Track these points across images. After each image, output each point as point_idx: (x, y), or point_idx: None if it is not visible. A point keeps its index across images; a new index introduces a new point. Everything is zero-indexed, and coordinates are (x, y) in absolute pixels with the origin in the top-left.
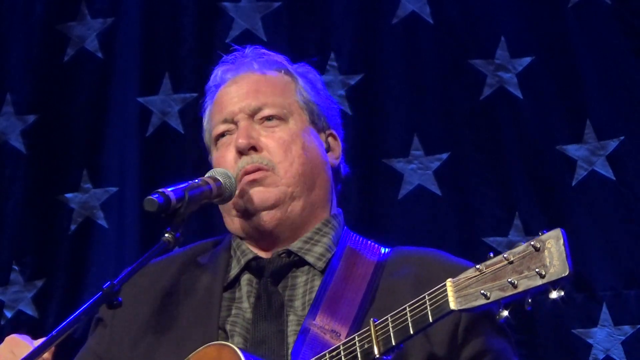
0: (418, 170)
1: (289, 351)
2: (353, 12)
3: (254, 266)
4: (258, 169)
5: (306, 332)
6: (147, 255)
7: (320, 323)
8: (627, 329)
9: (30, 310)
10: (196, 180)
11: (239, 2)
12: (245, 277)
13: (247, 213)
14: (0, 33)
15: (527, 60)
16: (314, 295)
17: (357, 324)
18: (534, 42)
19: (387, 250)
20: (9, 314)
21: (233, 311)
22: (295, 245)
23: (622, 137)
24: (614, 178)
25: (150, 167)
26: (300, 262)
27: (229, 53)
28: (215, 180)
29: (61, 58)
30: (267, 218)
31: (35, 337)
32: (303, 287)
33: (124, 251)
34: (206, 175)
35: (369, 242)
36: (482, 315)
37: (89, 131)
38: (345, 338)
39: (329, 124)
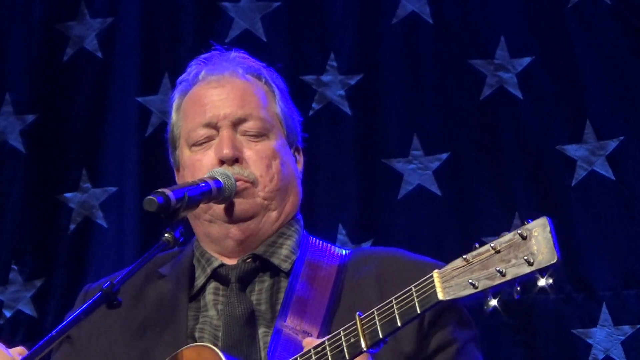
0: (418, 170)
1: (262, 353)
2: (353, 12)
3: (220, 273)
4: (239, 181)
5: (279, 333)
6: (147, 255)
7: (292, 324)
8: (627, 329)
9: (29, 310)
10: (196, 181)
11: (239, 2)
12: (211, 285)
13: (222, 221)
14: None
15: (527, 60)
16: (281, 297)
17: (326, 324)
18: (534, 42)
19: (346, 252)
20: (8, 313)
21: (200, 319)
22: (260, 249)
23: (622, 137)
24: (614, 178)
25: (150, 166)
26: (266, 266)
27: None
28: (215, 180)
29: (61, 58)
30: (242, 228)
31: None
32: (270, 290)
33: (123, 251)
34: (206, 176)
35: (329, 245)
36: (447, 309)
37: (88, 131)
38: (317, 337)
39: (297, 137)
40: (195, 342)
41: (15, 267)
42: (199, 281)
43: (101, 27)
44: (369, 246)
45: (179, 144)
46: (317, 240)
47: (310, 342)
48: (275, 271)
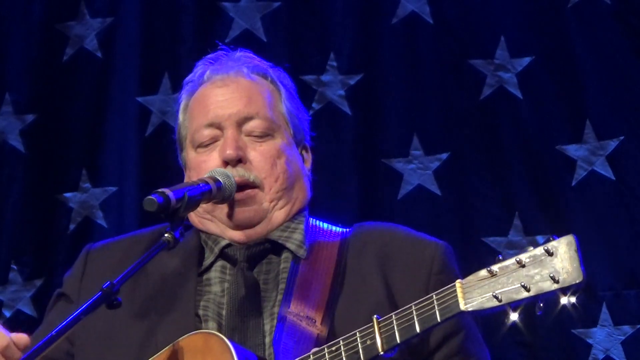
0: (418, 170)
1: (266, 339)
2: (353, 12)
3: (228, 253)
4: (245, 185)
5: (283, 321)
6: (147, 255)
7: (295, 310)
8: (627, 329)
9: (29, 310)
10: (196, 181)
11: (239, 2)
12: (218, 263)
13: (225, 225)
14: None
15: (527, 60)
16: (285, 277)
17: (330, 309)
18: (534, 42)
19: (347, 229)
20: (7, 313)
21: (204, 296)
22: (274, 234)
23: (622, 137)
24: (614, 178)
25: (150, 166)
26: (276, 248)
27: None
28: (215, 180)
29: (60, 57)
30: (249, 233)
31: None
32: (276, 272)
33: None
34: (206, 175)
35: (328, 226)
36: None
37: (88, 131)
38: (320, 324)
39: (305, 136)
40: (200, 319)
41: (15, 266)
42: (208, 260)
43: (101, 27)
44: (370, 222)
45: (185, 145)
46: (317, 221)
47: None
48: (283, 254)
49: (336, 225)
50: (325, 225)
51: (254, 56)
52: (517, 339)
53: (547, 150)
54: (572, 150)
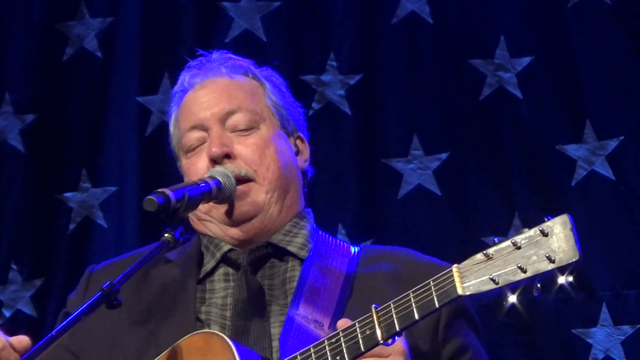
0: (418, 170)
1: (273, 343)
2: (353, 12)
3: (230, 257)
4: (238, 180)
5: (291, 322)
6: (147, 255)
7: (304, 313)
8: (627, 329)
9: (28, 310)
10: (196, 181)
11: (239, 2)
12: (221, 270)
13: (223, 223)
14: None
15: (526, 60)
16: (294, 285)
17: (338, 315)
18: (533, 42)
19: (357, 248)
20: (7, 313)
21: (207, 301)
22: (275, 238)
23: (622, 137)
24: (614, 178)
25: (150, 166)
26: (279, 253)
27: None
28: (215, 180)
29: (60, 57)
30: (245, 229)
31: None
32: (282, 276)
33: (123, 251)
34: (206, 175)
35: (338, 240)
36: (459, 312)
37: (88, 130)
38: (328, 328)
39: (297, 127)
40: (202, 324)
41: (14, 266)
42: (209, 265)
43: (101, 27)
44: (379, 245)
45: (178, 154)
46: (327, 235)
47: (345, 323)
48: (288, 259)
49: (345, 242)
50: (336, 239)
51: (232, 56)
52: (517, 339)
53: (547, 150)
54: (572, 150)
